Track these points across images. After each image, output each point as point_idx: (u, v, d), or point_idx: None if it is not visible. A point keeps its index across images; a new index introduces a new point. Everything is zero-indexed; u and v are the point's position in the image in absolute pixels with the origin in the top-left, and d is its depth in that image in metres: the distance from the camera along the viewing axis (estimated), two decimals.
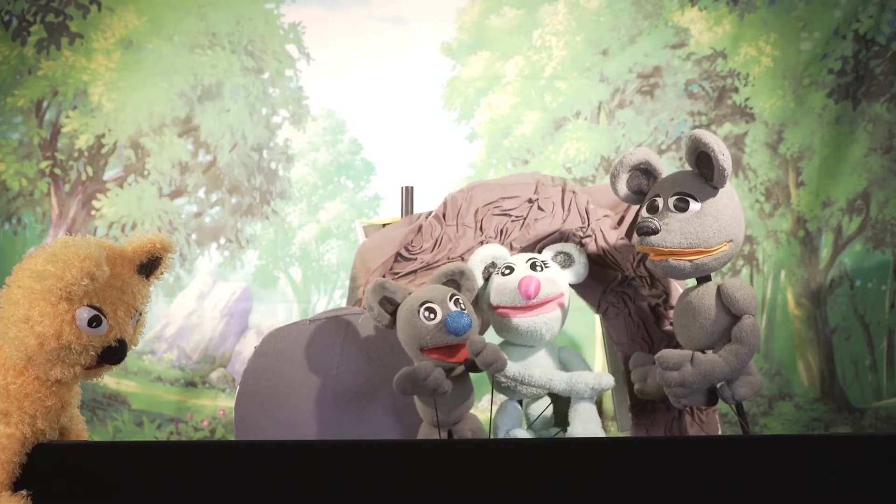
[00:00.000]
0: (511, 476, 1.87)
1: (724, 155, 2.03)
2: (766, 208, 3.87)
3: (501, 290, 2.25)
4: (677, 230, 2.07)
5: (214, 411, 3.77)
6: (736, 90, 3.87)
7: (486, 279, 2.32)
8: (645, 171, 2.19)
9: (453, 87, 3.92)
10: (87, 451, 1.96)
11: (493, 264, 2.32)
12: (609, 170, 3.85)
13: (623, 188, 2.20)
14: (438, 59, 3.91)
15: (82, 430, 2.08)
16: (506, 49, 3.92)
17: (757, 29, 3.86)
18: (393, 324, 2.19)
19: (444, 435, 2.16)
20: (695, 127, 3.87)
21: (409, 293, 2.19)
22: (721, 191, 2.09)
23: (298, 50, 3.90)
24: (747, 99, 3.87)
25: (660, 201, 2.11)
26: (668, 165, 3.85)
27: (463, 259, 2.42)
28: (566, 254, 2.34)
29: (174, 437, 3.71)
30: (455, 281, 2.20)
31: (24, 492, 1.82)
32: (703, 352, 2.13)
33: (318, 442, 2.25)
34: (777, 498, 1.84)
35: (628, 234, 2.49)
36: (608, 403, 2.86)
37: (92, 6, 3.80)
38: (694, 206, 2.07)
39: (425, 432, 2.22)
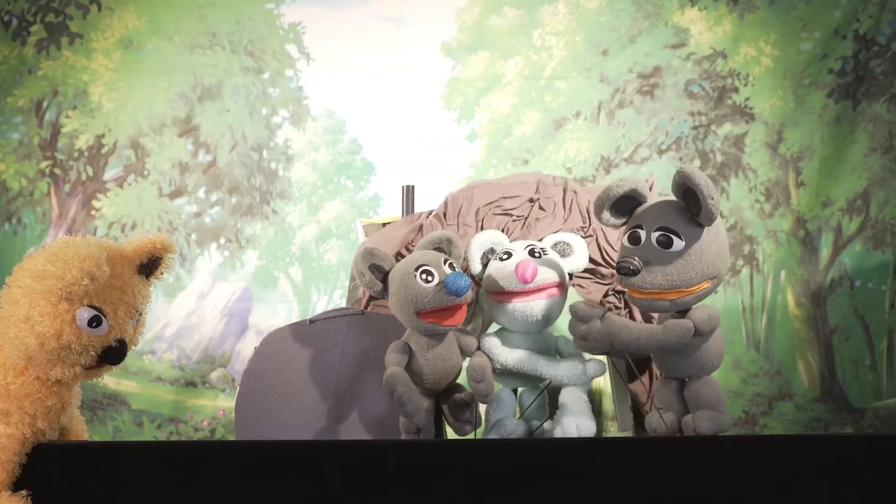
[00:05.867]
0: (510, 476, 1.87)
1: (713, 198, 1.92)
2: (766, 208, 3.87)
3: (498, 274, 2.24)
4: (659, 271, 1.99)
5: (214, 411, 3.77)
6: (736, 90, 3.88)
7: (485, 265, 2.31)
8: (630, 198, 2.09)
9: (453, 87, 3.92)
10: (87, 451, 1.96)
11: (492, 250, 2.31)
12: (608, 170, 3.87)
13: (607, 218, 2.10)
14: (438, 59, 3.92)
15: (82, 430, 2.07)
16: (506, 49, 3.92)
17: (757, 29, 3.87)
18: (384, 291, 2.19)
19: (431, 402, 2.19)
20: (695, 127, 3.87)
21: (396, 262, 2.20)
22: (707, 228, 1.99)
23: (298, 50, 3.90)
24: (747, 99, 3.88)
25: (642, 233, 2.01)
26: (668, 165, 3.87)
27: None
28: (566, 243, 2.33)
29: (174, 437, 3.72)
30: (442, 249, 2.21)
31: (24, 492, 1.82)
32: (684, 380, 2.11)
33: (318, 442, 2.25)
34: (777, 498, 1.84)
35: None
36: (608, 404, 2.86)
37: (92, 6, 3.80)
38: (678, 243, 1.98)
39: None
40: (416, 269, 2.12)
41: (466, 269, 2.28)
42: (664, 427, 2.13)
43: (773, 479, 1.84)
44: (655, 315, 2.26)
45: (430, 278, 2.11)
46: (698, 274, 2.00)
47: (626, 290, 2.11)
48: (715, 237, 2.01)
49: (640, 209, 2.06)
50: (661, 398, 2.18)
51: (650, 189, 2.54)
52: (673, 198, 2.03)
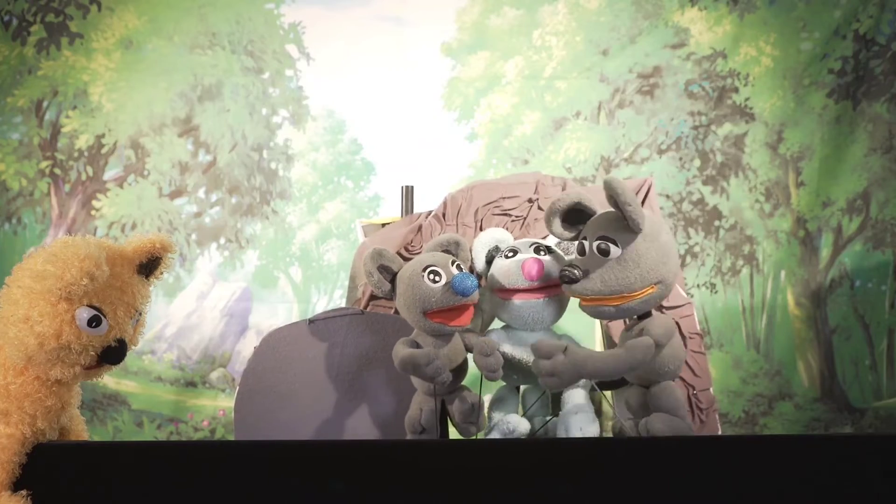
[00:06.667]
0: (510, 476, 1.87)
1: (630, 206, 1.98)
2: (766, 208, 3.87)
3: (504, 271, 2.24)
4: (598, 278, 2.05)
5: (214, 411, 3.77)
6: (736, 90, 3.88)
7: (489, 263, 2.32)
8: (580, 211, 2.14)
9: (453, 87, 3.92)
10: (87, 451, 1.96)
11: (497, 248, 2.31)
12: (608, 170, 3.87)
13: (558, 230, 2.16)
14: (438, 59, 3.92)
15: (82, 430, 2.07)
16: (506, 49, 3.92)
17: (757, 29, 3.87)
18: (392, 292, 2.19)
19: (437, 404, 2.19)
20: (695, 127, 3.87)
21: (405, 263, 2.21)
22: (643, 234, 2.03)
23: (298, 50, 3.90)
24: (747, 99, 3.88)
25: (587, 244, 2.08)
26: (668, 165, 3.87)
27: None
28: (570, 242, 2.33)
29: (174, 437, 3.72)
30: (449, 251, 2.22)
31: (23, 492, 1.82)
32: (647, 386, 2.14)
33: (318, 442, 2.25)
34: (777, 498, 1.84)
35: None
36: (607, 404, 2.86)
37: (92, 6, 3.80)
38: (615, 251, 2.03)
39: (420, 401, 2.22)
40: (424, 270, 2.13)
41: (472, 269, 2.29)
42: (626, 433, 2.16)
43: (773, 479, 1.84)
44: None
45: (437, 278, 2.12)
46: (638, 279, 2.04)
47: (574, 298, 2.15)
48: (653, 243, 2.05)
49: (588, 222, 2.11)
50: (629, 403, 2.22)
51: (648, 189, 2.55)
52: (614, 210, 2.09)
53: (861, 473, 1.85)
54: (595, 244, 2.05)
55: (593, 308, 2.12)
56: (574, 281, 2.06)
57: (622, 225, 2.03)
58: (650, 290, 2.06)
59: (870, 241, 3.84)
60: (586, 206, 2.11)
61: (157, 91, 3.83)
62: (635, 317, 2.15)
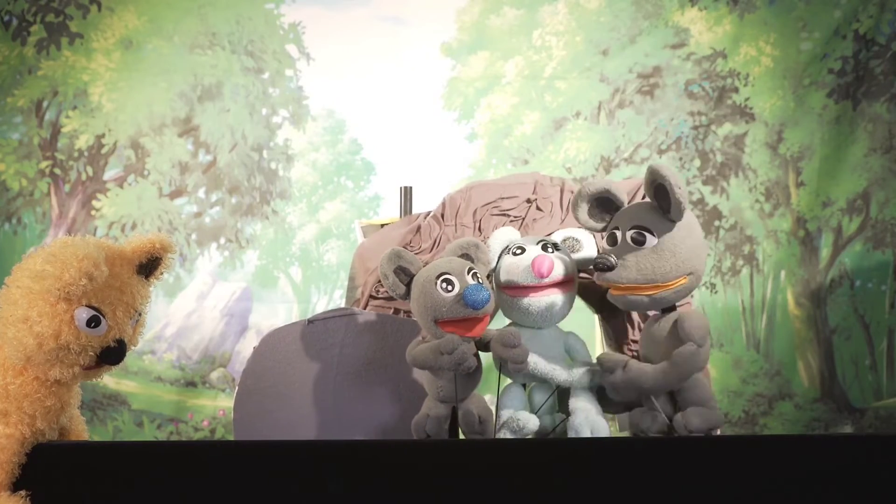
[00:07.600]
0: (511, 476, 1.87)
1: (679, 188, 1.99)
2: (766, 208, 3.87)
3: (512, 269, 2.21)
4: (633, 266, 2.05)
5: (214, 411, 3.78)
6: (736, 90, 3.88)
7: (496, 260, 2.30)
8: (606, 201, 2.14)
9: (453, 87, 3.92)
10: (87, 451, 1.96)
11: (507, 247, 2.30)
12: (608, 170, 3.87)
13: (584, 217, 2.16)
14: (438, 59, 3.92)
15: (82, 430, 2.07)
16: (506, 49, 3.92)
17: (757, 29, 3.87)
18: (407, 294, 2.15)
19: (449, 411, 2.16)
20: (695, 127, 3.87)
21: (425, 264, 2.17)
22: (679, 224, 2.04)
23: (298, 50, 3.91)
24: (747, 99, 3.88)
25: (619, 234, 2.08)
26: (668, 165, 3.87)
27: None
28: (575, 238, 2.33)
29: (174, 437, 3.72)
30: (468, 255, 2.18)
31: (23, 492, 1.82)
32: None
33: (318, 442, 2.25)
34: (777, 498, 1.84)
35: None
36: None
37: (92, 6, 3.80)
38: (651, 240, 2.03)
39: (430, 406, 2.20)
40: (438, 277, 2.08)
41: (490, 274, 2.25)
42: (657, 426, 2.14)
43: (773, 479, 1.84)
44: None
45: (450, 288, 2.07)
46: (673, 268, 2.04)
47: (607, 287, 2.14)
48: (689, 233, 2.06)
49: (618, 212, 2.12)
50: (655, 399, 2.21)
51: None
52: (647, 200, 2.09)
53: (861, 473, 1.85)
54: (629, 234, 2.05)
55: (624, 298, 2.11)
56: (609, 269, 2.06)
57: (658, 214, 2.04)
58: (682, 281, 2.06)
59: (870, 241, 3.84)
60: (615, 196, 2.11)
61: (157, 91, 3.83)
62: (660, 311, 2.15)
